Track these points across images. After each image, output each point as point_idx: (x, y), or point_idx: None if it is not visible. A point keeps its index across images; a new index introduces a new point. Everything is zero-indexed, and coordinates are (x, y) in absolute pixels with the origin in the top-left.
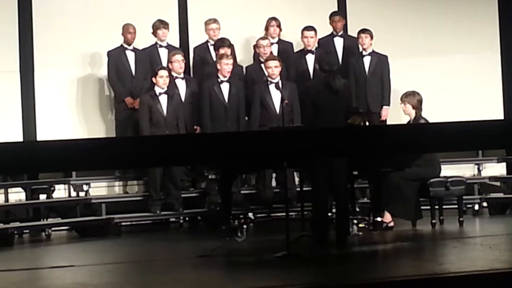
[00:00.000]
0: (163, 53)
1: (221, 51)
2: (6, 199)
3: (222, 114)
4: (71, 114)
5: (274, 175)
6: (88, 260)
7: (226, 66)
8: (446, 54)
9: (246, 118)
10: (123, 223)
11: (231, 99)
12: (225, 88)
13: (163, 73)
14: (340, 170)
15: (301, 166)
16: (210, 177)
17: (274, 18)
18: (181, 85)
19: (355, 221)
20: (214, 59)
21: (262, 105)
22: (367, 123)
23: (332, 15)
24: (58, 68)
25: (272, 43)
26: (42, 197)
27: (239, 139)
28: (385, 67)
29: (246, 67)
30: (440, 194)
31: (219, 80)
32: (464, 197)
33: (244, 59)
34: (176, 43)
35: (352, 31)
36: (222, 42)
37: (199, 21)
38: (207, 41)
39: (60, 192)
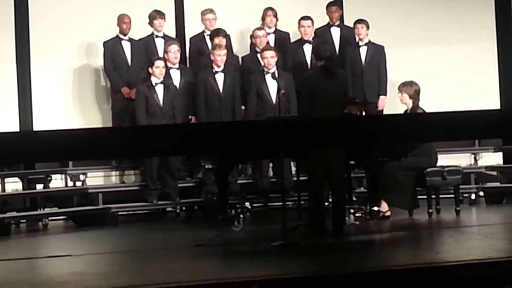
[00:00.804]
0: (160, 43)
1: (216, 41)
2: (3, 189)
3: (217, 104)
4: (67, 104)
5: (270, 164)
6: (85, 249)
7: (219, 57)
8: (442, 44)
9: (243, 107)
10: (119, 213)
11: (226, 90)
12: (219, 78)
13: (159, 63)
14: (337, 160)
15: (297, 156)
16: (206, 166)
17: (270, 8)
18: (176, 76)
19: (352, 211)
20: (210, 49)
21: (258, 95)
22: (363, 113)
23: (329, 5)
24: (54, 58)
25: (268, 33)
26: (39, 187)
27: (236, 128)
28: (381, 57)
29: (242, 57)
30: (437, 183)
31: (214, 71)
32: (460, 186)
33: (241, 49)
34: (172, 33)
35: (349, 21)
36: (217, 32)
37: (196, 11)
38: (203, 31)
39: (57, 182)
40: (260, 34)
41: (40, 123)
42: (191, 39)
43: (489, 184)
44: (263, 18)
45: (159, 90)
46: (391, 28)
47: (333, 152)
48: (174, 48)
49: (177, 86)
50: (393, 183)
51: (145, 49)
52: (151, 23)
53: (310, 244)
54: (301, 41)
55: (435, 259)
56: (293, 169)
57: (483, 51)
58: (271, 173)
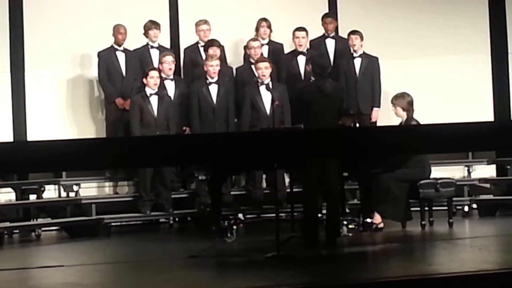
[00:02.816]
0: (155, 54)
1: (210, 51)
2: None
3: (210, 115)
4: (61, 114)
5: (264, 176)
6: (78, 260)
7: (211, 68)
8: (437, 56)
9: (236, 120)
10: (113, 224)
11: (220, 101)
12: (213, 89)
13: (153, 73)
14: (331, 171)
15: (291, 167)
16: (200, 178)
17: (264, 19)
18: (170, 86)
19: (345, 222)
20: (204, 60)
21: (252, 106)
22: (357, 125)
23: (324, 16)
24: (48, 68)
25: (262, 44)
26: (32, 197)
27: (230, 140)
28: (375, 68)
29: (237, 68)
30: (430, 195)
31: (208, 82)
32: (453, 198)
33: (235, 60)
34: (167, 44)
35: (343, 32)
36: (211, 43)
37: (190, 22)
38: (198, 42)
39: (50, 192)
40: (255, 45)
41: (34, 134)
42: (185, 50)
43: (482, 197)
44: (257, 29)
45: (153, 101)
46: (385, 40)
47: (328, 164)
48: (169, 59)
49: (172, 97)
50: (386, 195)
51: (139, 60)
52: (146, 34)
53: (303, 256)
54: (295, 53)
55: (428, 271)
56: (287, 180)
57: (477, 63)
58: (264, 184)
